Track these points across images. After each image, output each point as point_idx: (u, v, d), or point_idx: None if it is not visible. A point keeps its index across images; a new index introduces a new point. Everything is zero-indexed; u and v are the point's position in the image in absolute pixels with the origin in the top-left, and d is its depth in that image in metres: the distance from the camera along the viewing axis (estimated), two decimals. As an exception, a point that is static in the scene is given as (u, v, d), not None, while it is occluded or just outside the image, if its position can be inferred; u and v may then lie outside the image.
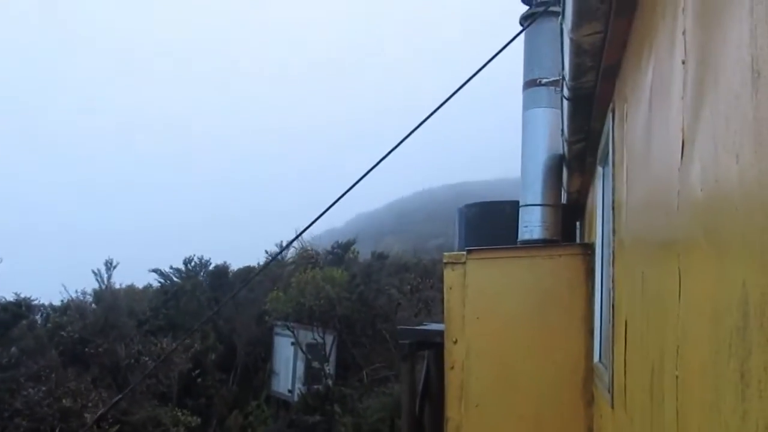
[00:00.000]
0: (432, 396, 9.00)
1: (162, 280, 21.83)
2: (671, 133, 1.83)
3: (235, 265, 22.55)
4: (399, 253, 24.66)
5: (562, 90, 5.10)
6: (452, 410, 5.51)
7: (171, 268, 22.11)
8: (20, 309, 15.78)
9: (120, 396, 7.33)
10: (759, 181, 0.94)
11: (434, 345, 8.55)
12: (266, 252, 22.90)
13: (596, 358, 4.81)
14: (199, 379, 16.82)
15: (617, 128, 3.67)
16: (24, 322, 15.75)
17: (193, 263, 22.18)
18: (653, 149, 2.27)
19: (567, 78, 4.19)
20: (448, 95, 4.14)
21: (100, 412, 11.18)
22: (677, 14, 1.81)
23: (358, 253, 21.69)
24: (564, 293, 5.36)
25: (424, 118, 4.15)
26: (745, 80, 1.02)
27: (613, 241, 3.68)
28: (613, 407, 3.44)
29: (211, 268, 21.67)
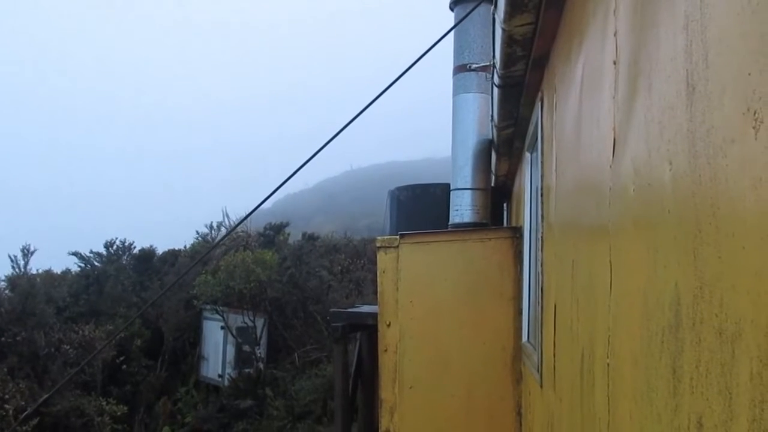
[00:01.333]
0: (364, 377, 9.11)
1: (82, 264, 20.92)
2: (602, 130, 1.91)
3: (157, 246, 21.86)
4: (329, 235, 24.59)
5: (492, 77, 5.19)
6: (386, 392, 5.60)
7: (91, 252, 21.21)
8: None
9: (48, 395, 7.06)
10: (692, 191, 1.00)
11: (367, 327, 8.63)
12: (197, 233, 22.32)
13: (525, 338, 4.99)
14: (125, 366, 16.31)
15: (546, 116, 3.78)
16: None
17: (115, 246, 21.34)
18: (583, 142, 2.36)
19: (498, 66, 4.27)
20: (387, 84, 4.13)
21: (26, 413, 10.68)
22: (608, 15, 1.87)
23: (289, 234, 21.49)
24: (494, 275, 5.52)
25: (364, 106, 4.14)
26: (680, 92, 1.07)
27: (542, 226, 3.81)
28: (541, 386, 3.58)
29: (135, 251, 20.91)
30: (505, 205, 8.04)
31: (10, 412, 12.55)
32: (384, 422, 5.65)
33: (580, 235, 2.38)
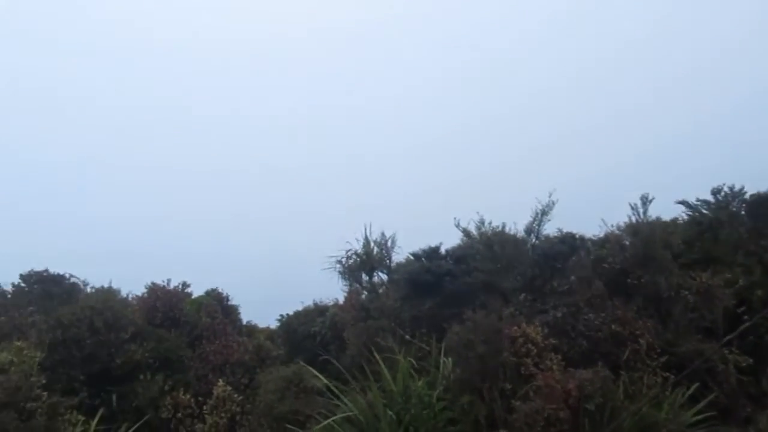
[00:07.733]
0: None
1: (689, 213, 21.01)
2: None
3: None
4: None
5: None
6: None
7: (698, 200, 21.06)
8: (574, 241, 17.54)
9: (742, 327, 7.56)
10: None
11: None
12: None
13: None
14: (745, 317, 15.56)
15: None
16: (575, 255, 17.45)
17: (723, 193, 20.60)
18: None
19: None
20: None
21: (727, 338, 11.84)
22: None
23: None
24: None
25: None
26: None
27: None
28: None
29: (746, 197, 19.61)
30: None
31: (644, 346, 13.79)
32: None
33: None
